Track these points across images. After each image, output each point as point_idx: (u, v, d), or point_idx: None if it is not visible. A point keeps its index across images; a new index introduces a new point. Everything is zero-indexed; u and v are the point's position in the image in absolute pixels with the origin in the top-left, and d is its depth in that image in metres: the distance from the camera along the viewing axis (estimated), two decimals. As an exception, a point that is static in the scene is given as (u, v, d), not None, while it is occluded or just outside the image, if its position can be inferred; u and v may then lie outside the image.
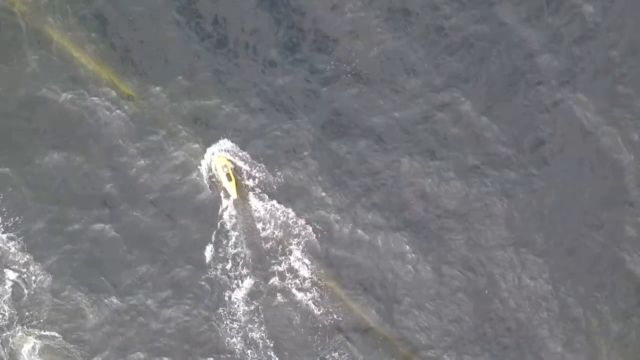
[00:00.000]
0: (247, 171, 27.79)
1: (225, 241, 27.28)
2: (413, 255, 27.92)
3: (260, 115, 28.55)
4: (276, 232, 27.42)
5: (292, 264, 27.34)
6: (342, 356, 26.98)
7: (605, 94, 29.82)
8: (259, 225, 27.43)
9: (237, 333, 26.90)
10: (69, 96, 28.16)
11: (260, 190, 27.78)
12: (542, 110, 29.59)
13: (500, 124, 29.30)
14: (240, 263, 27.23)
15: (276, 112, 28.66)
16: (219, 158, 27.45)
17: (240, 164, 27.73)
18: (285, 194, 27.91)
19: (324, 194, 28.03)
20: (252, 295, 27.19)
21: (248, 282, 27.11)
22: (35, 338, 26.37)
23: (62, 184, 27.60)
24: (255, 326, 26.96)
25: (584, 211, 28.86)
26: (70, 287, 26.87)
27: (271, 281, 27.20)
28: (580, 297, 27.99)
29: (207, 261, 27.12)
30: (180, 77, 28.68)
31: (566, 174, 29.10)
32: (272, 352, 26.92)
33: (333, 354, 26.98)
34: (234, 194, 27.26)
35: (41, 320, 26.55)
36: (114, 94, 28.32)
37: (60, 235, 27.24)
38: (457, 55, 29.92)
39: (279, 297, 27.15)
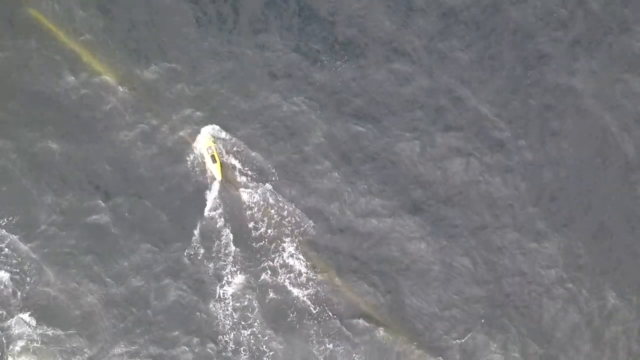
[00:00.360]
0: (235, 154, 27.27)
1: (214, 226, 26.81)
2: (414, 241, 26.98)
3: (253, 100, 28.08)
4: (266, 217, 26.73)
5: (283, 248, 26.66)
6: (338, 348, 26.17)
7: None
8: (247, 209, 26.81)
9: (229, 317, 26.37)
10: (65, 84, 28.23)
11: (249, 174, 27.23)
12: (544, 91, 28.49)
13: (499, 106, 28.26)
14: (228, 249, 26.68)
15: (270, 96, 28.12)
16: (204, 140, 27.05)
17: (229, 147, 27.20)
18: (277, 178, 27.32)
19: (318, 178, 27.27)
20: (241, 285, 26.63)
21: (236, 268, 26.52)
22: (30, 328, 26.25)
23: (55, 171, 27.59)
24: (247, 316, 26.41)
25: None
26: (63, 276, 26.69)
27: (261, 267, 26.52)
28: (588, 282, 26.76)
29: (194, 246, 26.67)
30: (172, 62, 28.40)
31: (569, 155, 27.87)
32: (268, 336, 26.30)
33: (328, 346, 26.20)
34: (218, 176, 26.68)
35: (36, 310, 26.37)
36: (107, 80, 28.23)
37: (55, 224, 27.13)
38: (459, 39, 29.00)
39: (271, 290, 26.54)
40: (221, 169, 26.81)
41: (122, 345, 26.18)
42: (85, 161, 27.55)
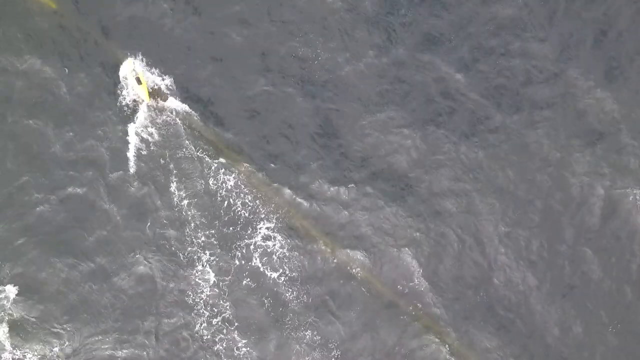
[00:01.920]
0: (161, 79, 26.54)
1: (143, 154, 25.88)
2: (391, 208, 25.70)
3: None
4: (195, 144, 26.09)
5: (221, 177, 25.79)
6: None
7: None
8: (178, 136, 26.11)
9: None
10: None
11: (177, 95, 26.36)
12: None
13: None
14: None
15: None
16: (127, 63, 26.16)
17: (155, 74, 26.55)
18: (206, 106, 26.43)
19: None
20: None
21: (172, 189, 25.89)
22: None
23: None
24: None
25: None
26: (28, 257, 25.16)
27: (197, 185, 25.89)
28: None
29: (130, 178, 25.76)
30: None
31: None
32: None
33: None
34: (145, 98, 26.01)
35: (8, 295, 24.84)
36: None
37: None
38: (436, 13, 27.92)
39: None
40: (147, 91, 26.07)
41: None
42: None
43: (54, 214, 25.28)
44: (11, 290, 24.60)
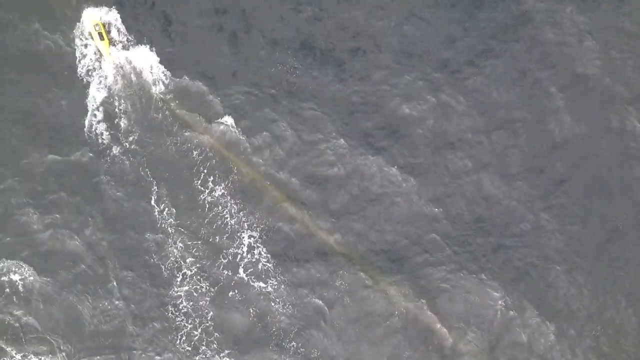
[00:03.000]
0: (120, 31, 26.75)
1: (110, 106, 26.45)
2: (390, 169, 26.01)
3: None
4: (158, 94, 26.62)
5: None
6: None
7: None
8: (140, 87, 26.67)
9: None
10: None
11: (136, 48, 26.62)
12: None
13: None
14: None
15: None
16: (89, 18, 26.27)
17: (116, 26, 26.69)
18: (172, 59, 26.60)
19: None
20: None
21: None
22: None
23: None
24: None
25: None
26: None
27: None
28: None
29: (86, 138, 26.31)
30: None
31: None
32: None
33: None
34: (106, 54, 26.60)
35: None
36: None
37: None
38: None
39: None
40: (109, 47, 26.48)
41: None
42: None
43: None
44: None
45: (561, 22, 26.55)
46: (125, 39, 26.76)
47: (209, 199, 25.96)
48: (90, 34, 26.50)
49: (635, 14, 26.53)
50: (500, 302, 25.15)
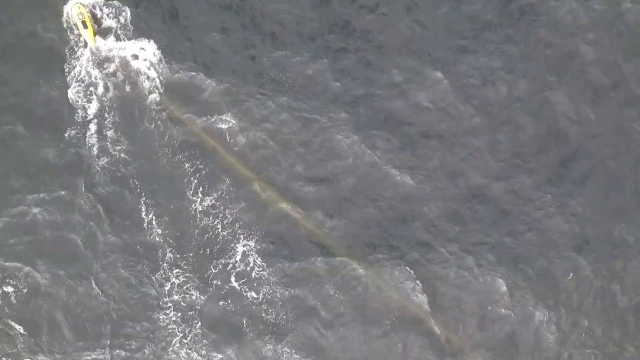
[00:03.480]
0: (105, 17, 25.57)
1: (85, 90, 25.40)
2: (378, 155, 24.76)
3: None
4: (145, 84, 25.52)
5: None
6: None
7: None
8: (124, 78, 25.58)
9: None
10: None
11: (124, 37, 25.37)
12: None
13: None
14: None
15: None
16: (74, 5, 25.23)
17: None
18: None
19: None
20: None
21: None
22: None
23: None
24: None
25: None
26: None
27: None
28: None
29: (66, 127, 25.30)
30: None
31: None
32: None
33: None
34: (91, 43, 25.36)
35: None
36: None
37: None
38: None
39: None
40: (93, 35, 25.36)
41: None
42: None
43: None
44: None
45: (563, 19, 24.95)
46: (114, 26, 25.58)
47: (201, 205, 24.94)
48: (75, 24, 25.30)
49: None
50: (503, 297, 23.93)
